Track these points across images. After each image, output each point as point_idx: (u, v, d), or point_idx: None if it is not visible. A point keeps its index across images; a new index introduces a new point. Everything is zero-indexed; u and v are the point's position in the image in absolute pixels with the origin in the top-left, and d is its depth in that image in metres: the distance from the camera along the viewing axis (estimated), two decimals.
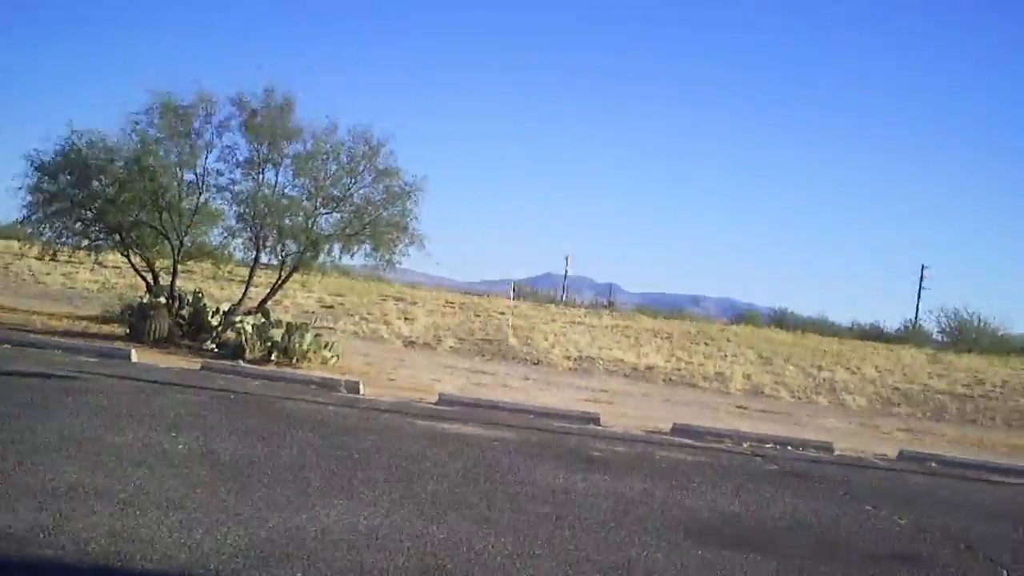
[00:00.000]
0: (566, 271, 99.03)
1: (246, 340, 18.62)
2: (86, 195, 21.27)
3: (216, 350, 18.97)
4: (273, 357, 18.54)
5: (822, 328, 47.23)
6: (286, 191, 21.35)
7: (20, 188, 21.15)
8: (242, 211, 21.13)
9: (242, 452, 9.38)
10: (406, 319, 28.86)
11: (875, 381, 27.53)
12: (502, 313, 32.08)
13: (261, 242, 21.41)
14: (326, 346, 19.58)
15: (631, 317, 38.62)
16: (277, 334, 18.83)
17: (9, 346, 16.32)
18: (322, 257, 22.42)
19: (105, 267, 28.83)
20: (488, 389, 18.90)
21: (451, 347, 26.00)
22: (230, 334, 19.53)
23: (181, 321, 20.35)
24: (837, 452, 15.66)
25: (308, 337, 19.12)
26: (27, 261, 30.65)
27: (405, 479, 9.00)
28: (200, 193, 21.37)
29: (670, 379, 25.04)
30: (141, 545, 5.98)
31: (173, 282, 21.57)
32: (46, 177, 21.25)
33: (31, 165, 21.14)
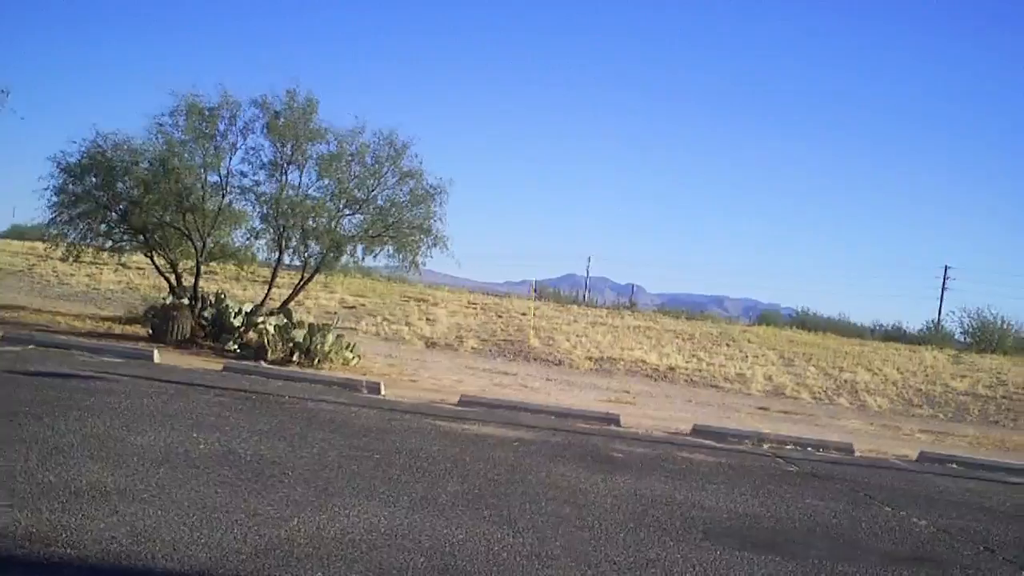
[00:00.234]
0: (588, 272, 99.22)
1: (268, 341, 18.70)
2: (111, 196, 21.40)
3: (238, 351, 19.06)
4: (295, 358, 18.61)
5: (844, 329, 47.00)
6: (309, 192, 21.44)
7: (46, 189, 21.31)
8: (265, 212, 21.24)
9: (263, 452, 9.43)
10: (428, 320, 28.91)
11: (897, 382, 27.43)
12: (524, 314, 32.10)
13: (284, 243, 21.49)
14: (348, 347, 19.64)
15: (652, 318, 38.56)
16: (299, 335, 18.90)
17: (34, 346, 16.44)
18: (345, 258, 22.53)
19: (128, 268, 29.02)
20: (509, 390, 18.93)
21: (473, 348, 26.04)
22: (252, 335, 19.62)
23: (204, 322, 20.46)
24: (858, 453, 15.63)
25: (330, 338, 19.18)
26: (52, 263, 30.80)
27: (425, 480, 9.04)
28: (224, 194, 21.47)
29: (691, 380, 25.02)
30: (163, 544, 6.03)
31: (196, 283, 21.66)
32: (71, 179, 21.39)
33: (57, 167, 21.29)
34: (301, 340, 18.81)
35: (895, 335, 47.49)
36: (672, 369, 25.96)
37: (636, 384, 23.29)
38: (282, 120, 20.97)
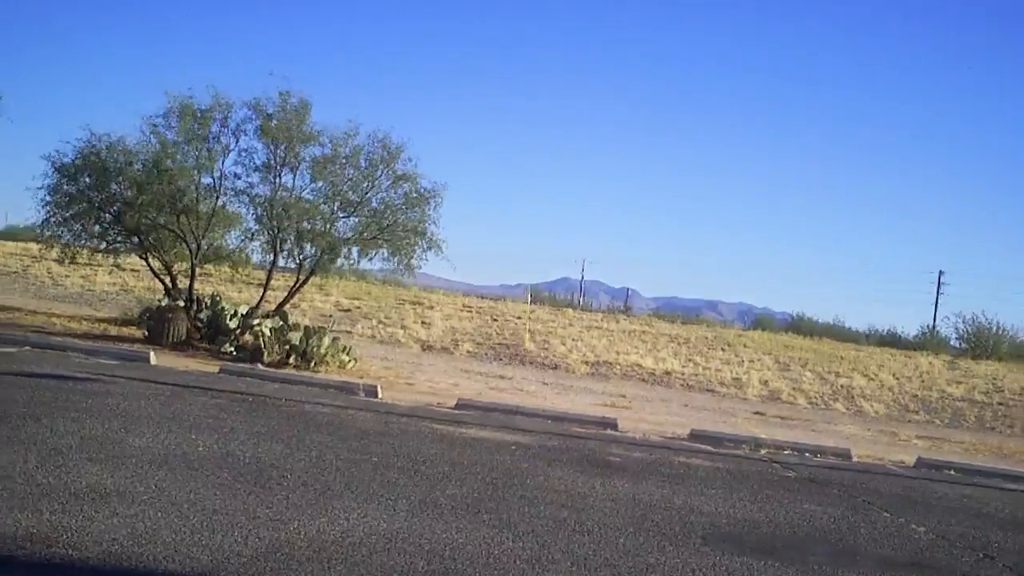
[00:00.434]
0: (583, 276, 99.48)
1: (264, 343, 18.68)
2: (105, 197, 21.36)
3: (234, 353, 19.04)
4: (291, 360, 18.60)
5: (839, 334, 47.00)
6: (303, 195, 21.40)
7: (40, 188, 21.28)
8: (260, 214, 21.21)
9: (261, 455, 9.42)
10: (423, 323, 28.90)
11: (893, 388, 27.46)
12: (519, 318, 32.09)
13: (279, 245, 21.46)
14: (344, 350, 19.63)
15: (647, 322, 38.56)
16: (295, 337, 18.89)
17: (29, 348, 16.41)
18: (340, 261, 22.49)
19: (123, 270, 28.98)
20: (506, 393, 18.92)
21: (468, 351, 26.03)
22: (248, 337, 19.60)
23: (199, 324, 20.43)
24: (855, 459, 15.64)
25: (326, 341, 19.17)
26: (46, 264, 30.76)
27: (424, 483, 9.03)
28: (217, 196, 21.43)
29: (687, 384, 25.03)
30: (163, 546, 6.02)
31: (191, 285, 21.64)
32: (66, 179, 21.35)
33: (51, 166, 21.26)
34: (297, 343, 18.80)
35: (890, 340, 47.47)
36: (668, 373, 25.96)
37: (632, 388, 23.29)
38: (275, 122, 20.91)
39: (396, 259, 22.14)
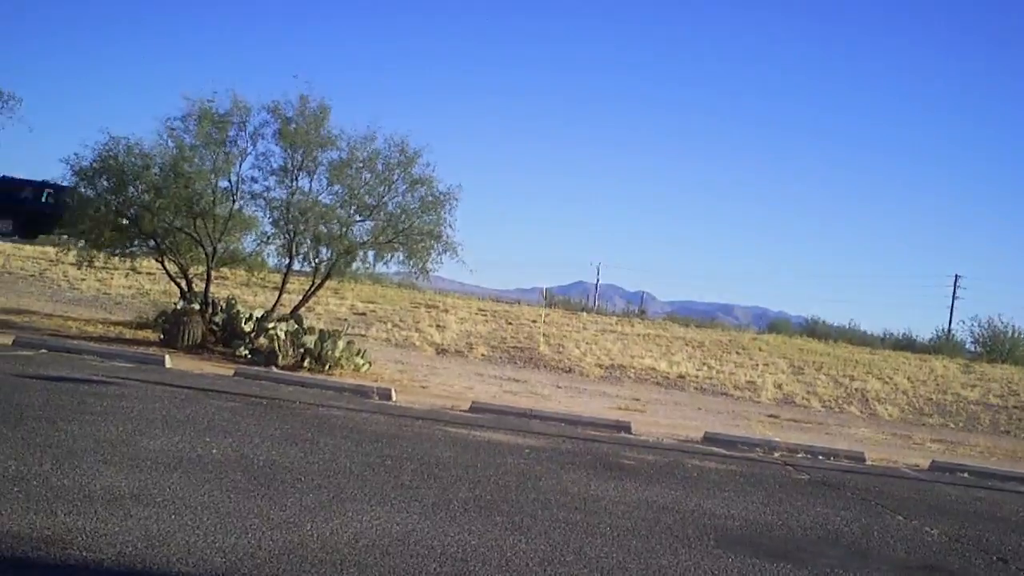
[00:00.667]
0: (598, 279, 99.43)
1: (279, 347, 18.73)
2: (122, 201, 21.45)
3: (249, 356, 19.08)
4: (306, 364, 18.64)
5: (854, 337, 46.85)
6: (320, 198, 21.45)
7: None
8: (276, 218, 21.28)
9: (275, 458, 9.46)
10: (438, 327, 28.89)
11: (907, 391, 27.37)
12: (534, 321, 32.08)
13: (295, 249, 21.52)
14: (358, 353, 19.67)
15: (662, 326, 38.48)
16: (310, 341, 18.94)
17: (46, 351, 16.49)
18: (356, 264, 22.53)
19: (139, 273, 29.00)
20: (520, 397, 18.94)
21: (483, 355, 26.04)
22: (263, 340, 19.63)
23: (215, 327, 20.49)
24: (869, 462, 15.62)
25: (340, 344, 19.22)
26: (63, 267, 30.86)
27: (437, 485, 9.06)
28: (234, 200, 21.49)
29: (701, 388, 25.00)
30: (177, 548, 6.06)
31: (207, 288, 21.70)
32: (84, 182, 21.45)
33: (70, 169, 21.36)
34: (312, 346, 18.85)
35: (905, 344, 47.29)
36: (682, 377, 25.93)
37: (646, 392, 23.27)
38: (294, 126, 20.99)
39: (412, 262, 22.17)
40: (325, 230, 21.25)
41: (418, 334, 27.18)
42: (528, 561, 6.76)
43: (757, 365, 28.82)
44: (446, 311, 31.76)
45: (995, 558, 8.97)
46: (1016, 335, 45.92)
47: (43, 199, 38.19)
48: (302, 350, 18.76)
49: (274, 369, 17.75)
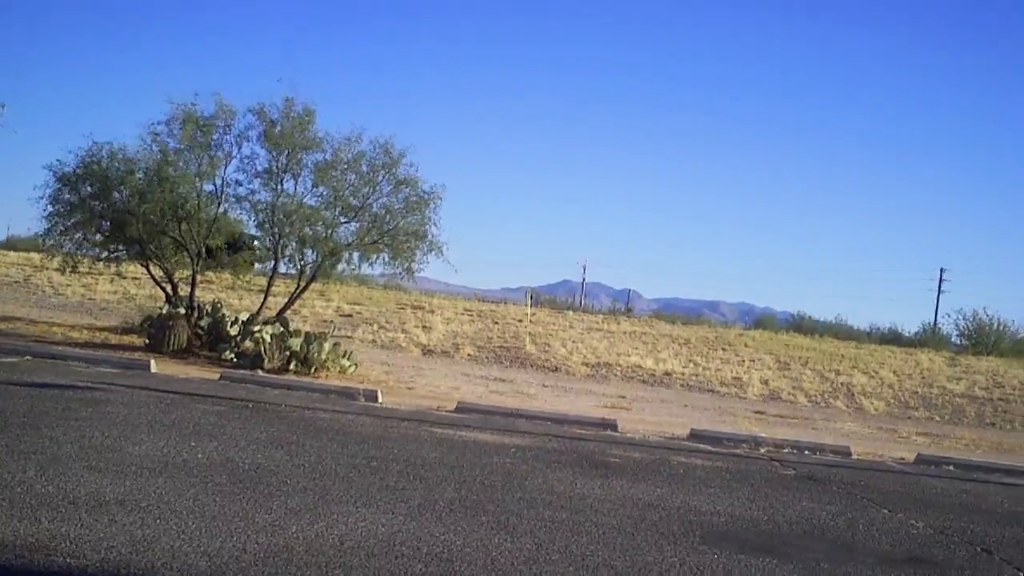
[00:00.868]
0: (584, 278, 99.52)
1: (265, 350, 18.72)
2: (107, 206, 21.40)
3: (235, 360, 19.07)
4: (292, 366, 18.64)
5: (840, 332, 46.99)
6: (305, 200, 21.45)
7: (41, 199, 21.31)
8: (261, 221, 21.28)
9: (261, 461, 9.45)
10: (424, 327, 28.92)
11: (893, 385, 27.48)
12: (520, 321, 32.11)
13: (280, 251, 21.51)
14: (344, 355, 19.68)
15: (648, 323, 38.55)
16: (296, 343, 18.93)
17: (30, 357, 16.45)
18: (341, 266, 22.55)
19: (124, 278, 29.00)
20: (506, 396, 18.96)
21: (469, 355, 26.06)
22: (249, 344, 19.63)
23: (200, 331, 20.48)
24: (855, 456, 15.68)
25: (326, 346, 19.22)
26: (48, 273, 30.82)
27: (423, 486, 9.06)
28: (219, 203, 21.48)
29: (688, 385, 25.06)
30: (162, 553, 6.05)
31: (192, 293, 21.68)
32: (67, 188, 21.39)
33: (53, 176, 21.30)
34: (298, 349, 18.84)
35: (891, 338, 47.48)
36: (668, 374, 25.98)
37: (632, 389, 23.32)
38: (279, 128, 20.98)
39: (397, 263, 22.20)
40: (310, 232, 21.26)
41: (404, 335, 27.21)
42: (514, 560, 6.77)
43: (743, 361, 28.90)
44: (432, 312, 31.79)
45: (979, 549, 9.00)
46: (1001, 328, 46.16)
47: None
48: (288, 353, 18.75)
49: (260, 372, 17.75)
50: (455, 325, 30.20)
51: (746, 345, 32.80)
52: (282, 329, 19.94)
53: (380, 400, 16.07)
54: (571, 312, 40.12)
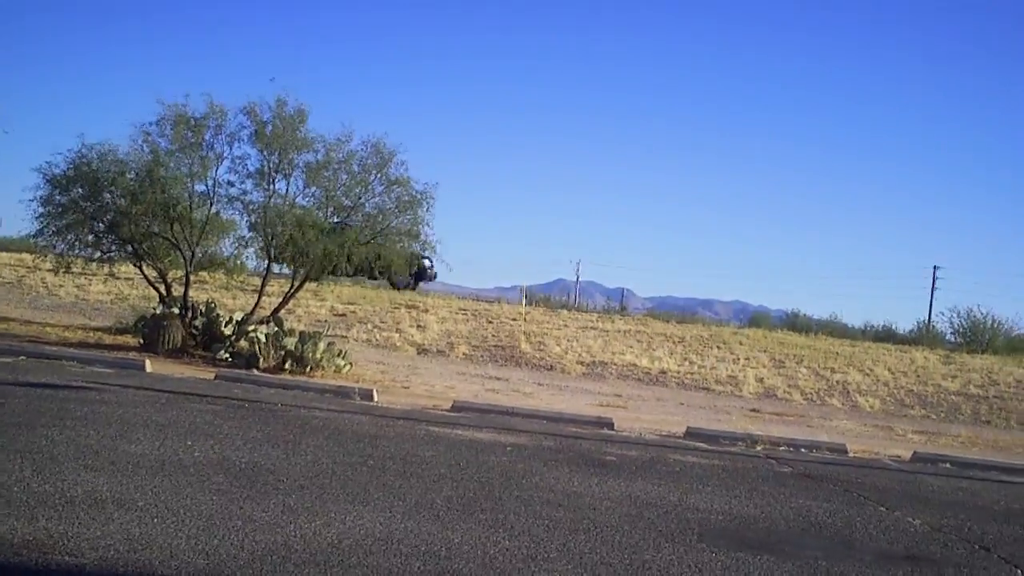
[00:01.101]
0: (578, 276, 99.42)
1: (259, 349, 18.69)
2: (98, 207, 21.32)
3: (230, 359, 19.05)
4: (287, 366, 18.61)
5: (834, 330, 46.88)
6: (297, 201, 21.42)
7: (32, 200, 21.24)
8: (253, 221, 21.23)
9: (257, 460, 9.44)
10: (419, 327, 28.85)
11: (888, 383, 27.47)
12: (514, 319, 32.08)
13: (273, 252, 21.48)
14: (339, 354, 19.65)
15: (643, 321, 38.49)
16: (290, 343, 18.90)
17: (25, 358, 16.42)
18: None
19: (118, 278, 28.89)
20: (502, 395, 18.94)
21: (464, 354, 26.02)
22: (243, 343, 19.60)
23: (194, 331, 20.44)
24: (851, 454, 15.68)
25: (321, 345, 19.19)
26: (41, 274, 30.75)
27: (420, 485, 9.05)
28: (211, 204, 21.43)
29: (683, 383, 25.04)
30: (159, 551, 6.04)
31: (186, 293, 21.63)
32: (58, 189, 21.30)
33: (43, 178, 21.20)
34: (292, 348, 18.81)
35: (885, 336, 47.45)
36: (664, 372, 25.96)
37: (628, 388, 23.30)
38: (270, 129, 20.93)
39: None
40: (302, 232, 21.20)
41: (399, 334, 27.15)
42: (511, 558, 6.76)
43: (738, 359, 28.88)
44: (426, 311, 31.72)
45: (977, 547, 9.01)
46: (995, 325, 46.16)
47: None
48: (283, 352, 18.73)
49: (255, 372, 17.73)
50: (450, 324, 30.14)
51: (741, 343, 32.77)
52: (277, 329, 19.91)
53: (376, 399, 16.06)
54: (565, 311, 40.07)
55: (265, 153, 21.07)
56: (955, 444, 18.99)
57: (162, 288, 22.39)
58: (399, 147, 21.66)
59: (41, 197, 21.23)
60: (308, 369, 18.65)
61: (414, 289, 38.38)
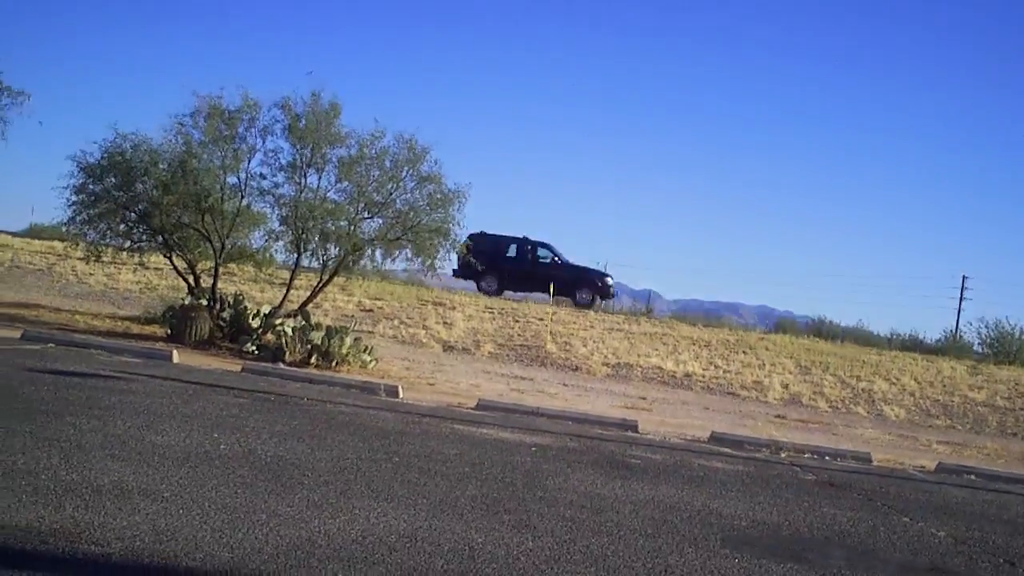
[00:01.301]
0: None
1: (286, 343, 18.75)
2: (130, 197, 21.45)
3: (256, 352, 19.11)
4: (313, 360, 18.65)
5: (861, 338, 46.62)
6: (329, 195, 21.48)
7: (65, 188, 21.38)
8: (284, 215, 21.30)
9: (282, 454, 9.47)
10: (445, 324, 28.89)
11: (914, 392, 27.32)
12: (541, 319, 32.06)
13: (303, 245, 21.54)
14: (365, 350, 19.68)
15: (668, 324, 38.40)
16: (317, 337, 18.94)
17: (54, 345, 16.53)
18: (363, 261, 22.57)
19: (147, 268, 29.03)
20: (526, 395, 18.94)
21: (490, 352, 26.03)
22: (270, 336, 19.68)
23: (222, 323, 20.51)
24: (875, 463, 15.61)
25: (348, 340, 19.22)
26: (71, 262, 30.94)
27: (444, 483, 9.07)
28: (243, 196, 21.53)
29: (708, 387, 24.98)
30: (184, 543, 6.07)
31: (215, 284, 21.72)
32: (91, 178, 21.43)
33: (77, 166, 21.34)
34: (319, 342, 18.85)
35: (912, 345, 47.12)
36: (689, 376, 25.90)
37: (653, 391, 23.26)
38: (304, 123, 21.00)
39: (419, 259, 22.23)
40: (333, 227, 21.27)
41: (425, 331, 27.19)
42: (535, 559, 6.77)
43: (764, 365, 28.77)
44: (453, 308, 31.75)
45: (1002, 560, 8.95)
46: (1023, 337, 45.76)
47: (525, 255, 39.72)
48: (309, 346, 18.78)
49: (281, 365, 17.78)
50: (476, 322, 30.16)
51: (767, 349, 32.65)
52: (304, 323, 19.97)
53: (401, 395, 16.09)
54: (591, 312, 40.04)
55: (298, 147, 21.16)
56: (981, 456, 18.88)
57: (191, 279, 22.49)
58: (432, 144, 21.73)
59: (74, 186, 21.39)
60: (334, 364, 18.69)
61: (590, 306, 38.84)
